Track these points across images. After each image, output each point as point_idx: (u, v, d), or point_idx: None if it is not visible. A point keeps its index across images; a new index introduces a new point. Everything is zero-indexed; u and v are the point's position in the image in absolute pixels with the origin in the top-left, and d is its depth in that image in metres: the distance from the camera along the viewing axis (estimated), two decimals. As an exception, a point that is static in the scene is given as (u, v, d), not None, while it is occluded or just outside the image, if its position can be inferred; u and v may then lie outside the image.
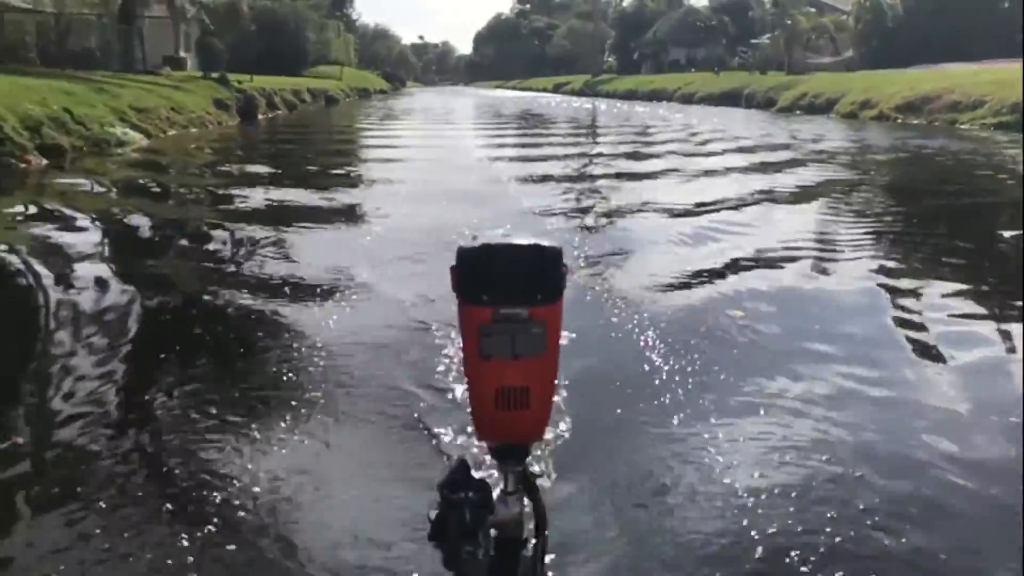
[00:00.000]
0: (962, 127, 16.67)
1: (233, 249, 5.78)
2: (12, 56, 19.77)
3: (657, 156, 12.17)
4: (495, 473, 1.23)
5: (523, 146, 14.71)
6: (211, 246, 5.91)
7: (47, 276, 4.66)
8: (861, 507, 2.20)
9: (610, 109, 30.70)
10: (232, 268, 5.13)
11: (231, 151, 13.79)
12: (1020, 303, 4.16)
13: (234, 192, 8.28)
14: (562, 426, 2.63)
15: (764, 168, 10.41)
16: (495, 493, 1.08)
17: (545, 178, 9.34)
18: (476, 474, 1.03)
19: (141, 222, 6.69)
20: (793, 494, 2.25)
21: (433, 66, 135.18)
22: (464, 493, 0.99)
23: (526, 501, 1.12)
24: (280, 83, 28.06)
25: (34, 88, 11.89)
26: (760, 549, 2.01)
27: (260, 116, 21.49)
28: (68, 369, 3.27)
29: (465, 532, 0.97)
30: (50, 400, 2.98)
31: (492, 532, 1.09)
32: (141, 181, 9.25)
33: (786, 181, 9.09)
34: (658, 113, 26.21)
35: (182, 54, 31.47)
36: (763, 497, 2.25)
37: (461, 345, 1.09)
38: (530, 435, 1.11)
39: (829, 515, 2.15)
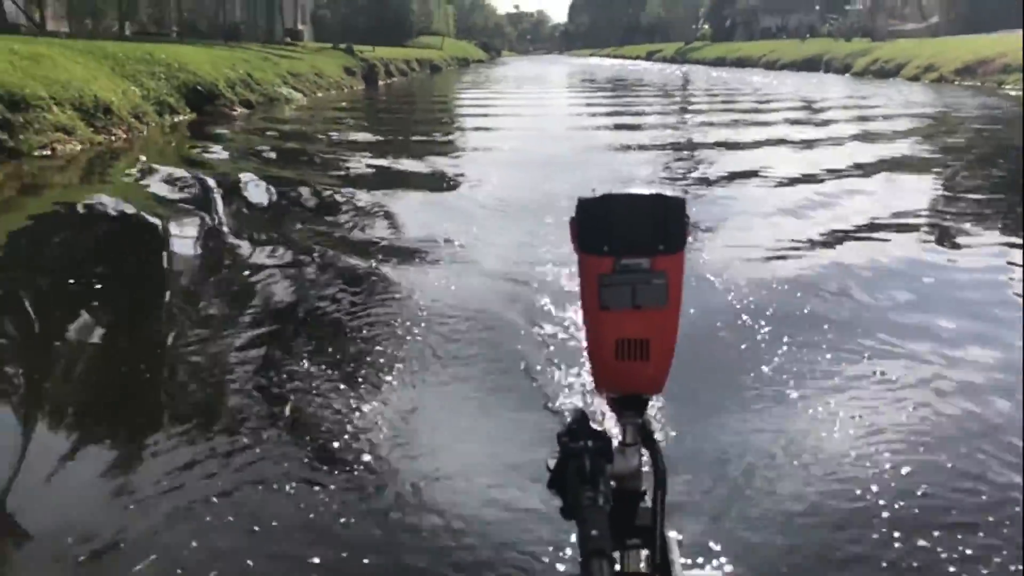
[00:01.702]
0: (1006, 87, 18.49)
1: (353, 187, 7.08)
2: (186, 30, 23.94)
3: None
4: (614, 426, 1.22)
5: (616, 113, 15.32)
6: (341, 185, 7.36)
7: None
8: (948, 496, 2.18)
9: (697, 74, 33.14)
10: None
11: (362, 107, 17.69)
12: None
13: (359, 139, 11.15)
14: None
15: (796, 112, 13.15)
16: (614, 444, 1.06)
17: (641, 147, 9.76)
18: (595, 426, 0.98)
19: (302, 145, 10.29)
20: (886, 477, 2.25)
21: (528, 35, 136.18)
22: (583, 442, 0.95)
23: (644, 454, 1.11)
24: (392, 53, 31.31)
25: (223, 57, 15.51)
26: (843, 526, 2.06)
27: (380, 82, 25.10)
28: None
29: (584, 480, 0.92)
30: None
31: (611, 484, 1.07)
32: (304, 125, 13.13)
33: (807, 129, 11.81)
34: (740, 77, 28.61)
35: (300, 26, 35.32)
36: (852, 475, 2.27)
37: (580, 299, 1.04)
38: (649, 387, 1.08)
39: (915, 498, 2.15)
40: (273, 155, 9.38)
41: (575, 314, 3.29)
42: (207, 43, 19.10)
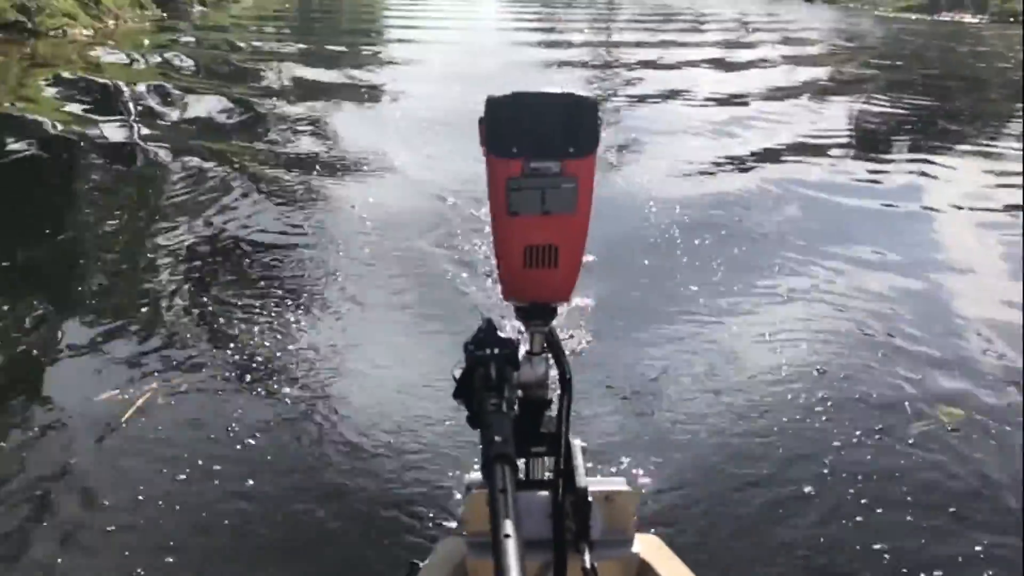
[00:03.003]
0: (877, 11, 21.63)
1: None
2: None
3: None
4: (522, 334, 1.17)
5: (545, 29, 15.36)
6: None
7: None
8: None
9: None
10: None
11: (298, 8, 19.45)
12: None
13: (293, 48, 11.23)
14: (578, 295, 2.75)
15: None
16: (521, 353, 1.03)
17: (568, 64, 9.88)
18: (503, 334, 0.95)
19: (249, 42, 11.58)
20: (786, 391, 2.41)
21: None
22: (489, 350, 0.93)
23: (551, 362, 1.06)
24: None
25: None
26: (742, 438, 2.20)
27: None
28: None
29: (489, 387, 0.90)
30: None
31: (518, 392, 1.02)
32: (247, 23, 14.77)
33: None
34: None
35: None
36: (760, 381, 2.43)
37: (488, 202, 1.00)
38: (557, 295, 1.04)
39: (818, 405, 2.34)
40: (220, 54, 9.96)
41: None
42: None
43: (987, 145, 6.33)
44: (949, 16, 18.30)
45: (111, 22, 11.97)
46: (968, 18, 17.77)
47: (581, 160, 0.98)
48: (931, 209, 4.39)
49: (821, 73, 9.77)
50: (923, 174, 5.09)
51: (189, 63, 8.80)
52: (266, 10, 17.75)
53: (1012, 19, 16.61)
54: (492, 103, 0.98)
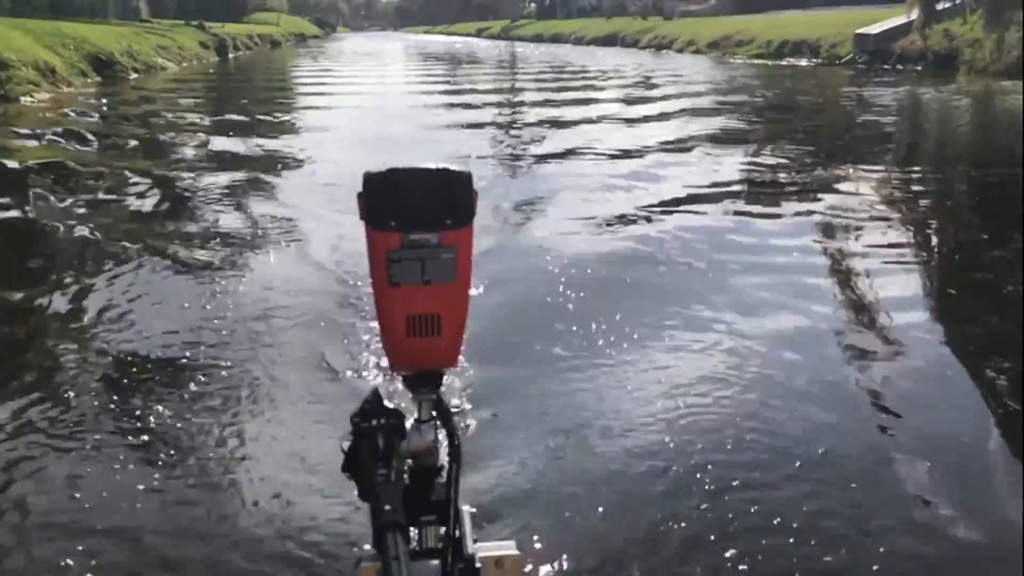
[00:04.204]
0: (734, 59, 24.26)
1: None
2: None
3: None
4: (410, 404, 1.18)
5: (450, 92, 16.04)
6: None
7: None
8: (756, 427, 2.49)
9: (516, 50, 37.39)
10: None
11: (220, 75, 21.07)
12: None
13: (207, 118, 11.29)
14: (478, 356, 2.81)
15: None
16: (408, 422, 1.04)
17: (473, 125, 10.27)
18: (390, 404, 0.98)
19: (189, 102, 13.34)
20: (689, 438, 2.44)
21: (362, 11, 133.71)
22: (376, 421, 0.95)
23: (440, 430, 1.08)
24: (236, 29, 34.20)
25: (111, 32, 19.01)
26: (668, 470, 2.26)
27: (230, 55, 28.54)
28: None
29: (377, 458, 0.91)
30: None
31: (407, 462, 1.05)
32: (180, 88, 16.09)
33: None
34: (553, 52, 33.44)
35: (139, 3, 37.56)
36: (672, 423, 2.50)
37: (370, 276, 1.02)
38: (442, 361, 1.06)
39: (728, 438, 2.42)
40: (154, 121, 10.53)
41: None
42: (44, 16, 20.42)
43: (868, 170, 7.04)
44: (787, 62, 21.79)
45: (64, 87, 13.74)
46: (804, 62, 21.18)
47: (459, 231, 1.01)
48: (828, 244, 4.70)
49: (713, 122, 10.37)
50: (814, 212, 5.47)
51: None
52: (191, 76, 19.34)
53: (837, 61, 20.14)
54: (369, 178, 1.00)
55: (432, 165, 1.02)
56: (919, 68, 17.75)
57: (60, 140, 8.26)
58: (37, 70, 12.82)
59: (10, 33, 13.74)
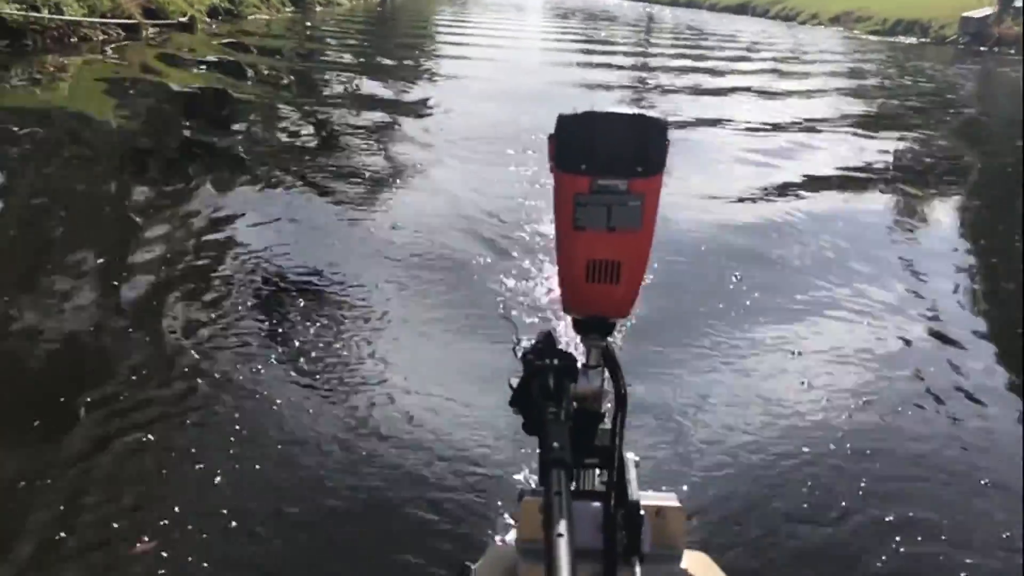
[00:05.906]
0: (852, 33, 25.90)
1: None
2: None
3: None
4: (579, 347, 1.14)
5: (587, 51, 15.65)
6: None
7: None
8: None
9: (652, 10, 37.65)
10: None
11: (377, 19, 22.60)
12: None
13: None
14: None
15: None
16: (578, 365, 1.02)
17: (607, 86, 10.13)
18: (561, 346, 0.97)
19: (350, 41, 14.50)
20: (824, 411, 2.47)
21: None
22: (549, 360, 0.95)
23: (607, 377, 1.06)
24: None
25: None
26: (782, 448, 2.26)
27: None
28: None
29: (548, 396, 0.91)
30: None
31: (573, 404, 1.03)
32: (345, 24, 17.54)
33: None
34: (686, 16, 34.52)
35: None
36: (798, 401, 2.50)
37: (554, 218, 1.02)
38: (616, 311, 1.05)
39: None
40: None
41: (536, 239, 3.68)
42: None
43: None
44: (899, 39, 23.45)
45: (275, 14, 17.52)
46: (912, 40, 22.48)
47: (648, 179, 1.00)
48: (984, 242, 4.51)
49: (863, 105, 10.02)
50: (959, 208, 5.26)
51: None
52: (356, 14, 22.46)
53: (944, 41, 21.34)
54: (563, 120, 0.99)
55: (627, 110, 1.01)
56: (1012, 52, 18.79)
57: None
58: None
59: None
